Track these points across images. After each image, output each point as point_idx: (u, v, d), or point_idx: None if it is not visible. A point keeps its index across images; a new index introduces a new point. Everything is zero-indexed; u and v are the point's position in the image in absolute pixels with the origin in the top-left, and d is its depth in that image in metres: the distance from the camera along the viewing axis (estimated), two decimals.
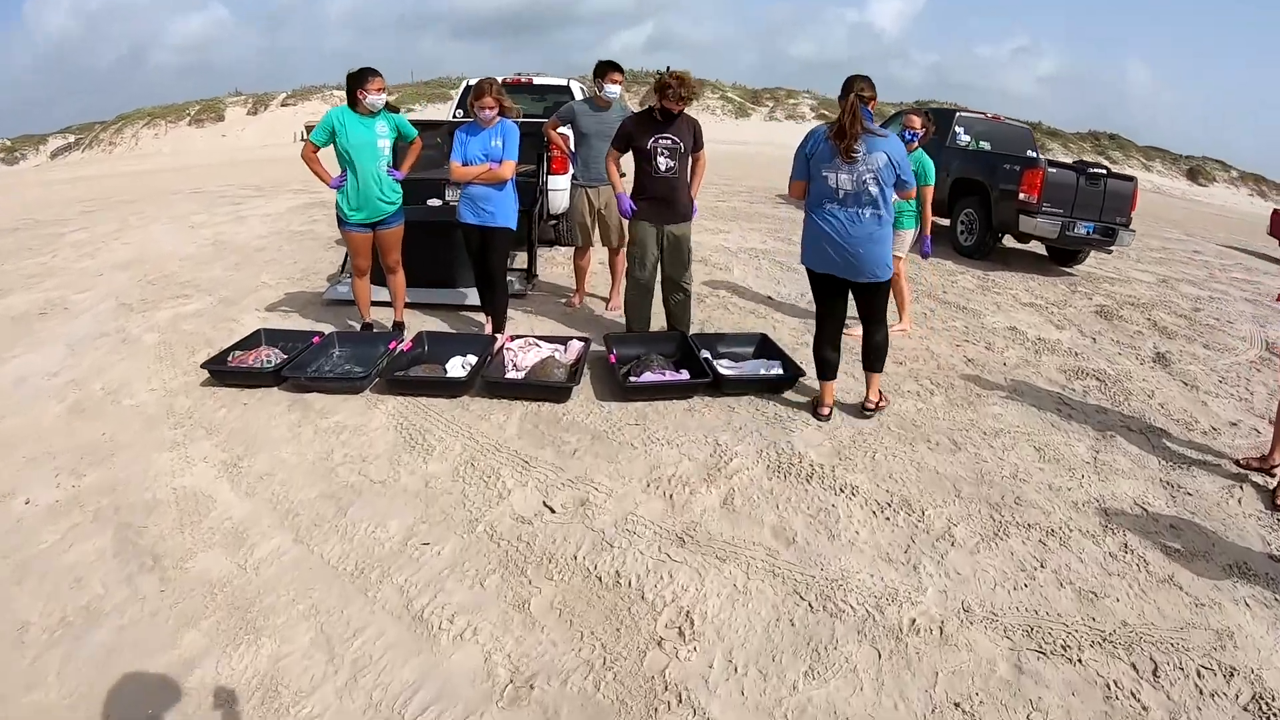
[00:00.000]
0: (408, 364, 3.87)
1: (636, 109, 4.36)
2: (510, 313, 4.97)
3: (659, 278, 4.24)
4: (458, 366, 3.81)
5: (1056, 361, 4.57)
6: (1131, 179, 7.17)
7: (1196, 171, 25.22)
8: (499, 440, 3.25)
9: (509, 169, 4.09)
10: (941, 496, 2.96)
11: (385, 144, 4.13)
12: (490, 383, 3.60)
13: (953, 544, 2.68)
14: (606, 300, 5.28)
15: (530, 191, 5.97)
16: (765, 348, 4.18)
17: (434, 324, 4.78)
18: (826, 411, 3.49)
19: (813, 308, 6.00)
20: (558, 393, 3.57)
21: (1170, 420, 3.85)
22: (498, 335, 4.22)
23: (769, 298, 5.77)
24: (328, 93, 26.80)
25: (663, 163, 3.97)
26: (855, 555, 2.58)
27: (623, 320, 4.52)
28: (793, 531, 2.68)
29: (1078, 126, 28.67)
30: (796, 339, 4.70)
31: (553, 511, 2.76)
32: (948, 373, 4.23)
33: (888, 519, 2.79)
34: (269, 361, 3.82)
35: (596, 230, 5.03)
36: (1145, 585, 2.57)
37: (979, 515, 2.86)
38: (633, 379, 3.64)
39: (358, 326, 4.53)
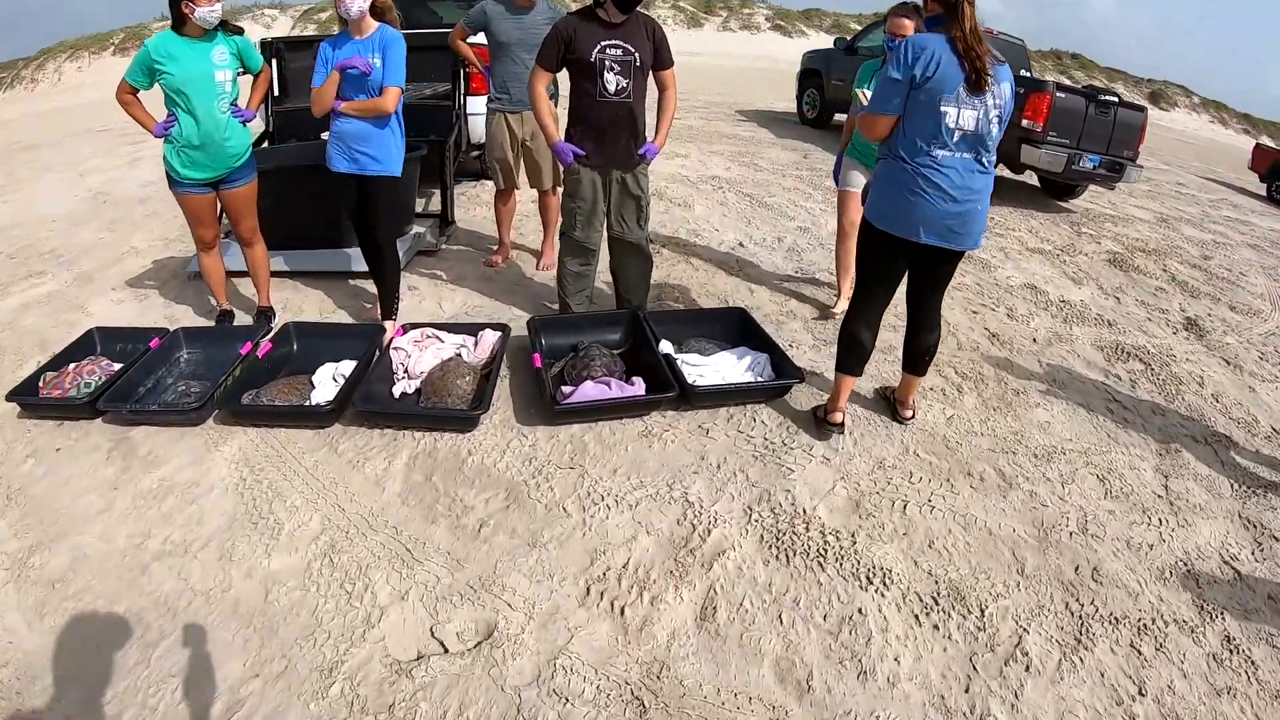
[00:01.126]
0: (267, 374, 2.71)
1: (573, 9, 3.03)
2: (412, 279, 3.73)
3: (605, 238, 3.07)
4: (328, 380, 2.63)
5: (1090, 334, 3.66)
6: (1142, 109, 6.12)
7: (1158, 95, 24.07)
8: (373, 508, 2.15)
9: (391, 99, 2.79)
10: (1001, 576, 2.05)
11: (225, 75, 2.82)
12: (364, 413, 2.48)
13: (1027, 666, 1.79)
14: (537, 255, 4.07)
15: (446, 117, 4.60)
16: (745, 330, 3.11)
17: (315, 300, 3.53)
18: (840, 419, 2.50)
19: (791, 259, 4.73)
20: (459, 422, 2.49)
21: (1230, 420, 3.01)
22: (387, 324, 3.04)
23: (740, 244, 4.64)
24: (258, 11, 22.89)
25: (612, 81, 2.70)
26: (900, 706, 1.65)
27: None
28: (806, 667, 1.72)
29: (1039, 44, 26.95)
30: (780, 307, 3.64)
31: (445, 650, 1.73)
32: (972, 355, 3.27)
33: (936, 628, 1.86)
34: (89, 384, 2.63)
35: (522, 168, 3.76)
36: (1259, 706, 1.78)
37: (1052, 607, 1.97)
38: (565, 390, 2.56)
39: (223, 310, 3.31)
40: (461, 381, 2.52)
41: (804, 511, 2.17)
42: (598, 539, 2.03)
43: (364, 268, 3.39)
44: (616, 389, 2.47)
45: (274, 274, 3.67)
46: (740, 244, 4.67)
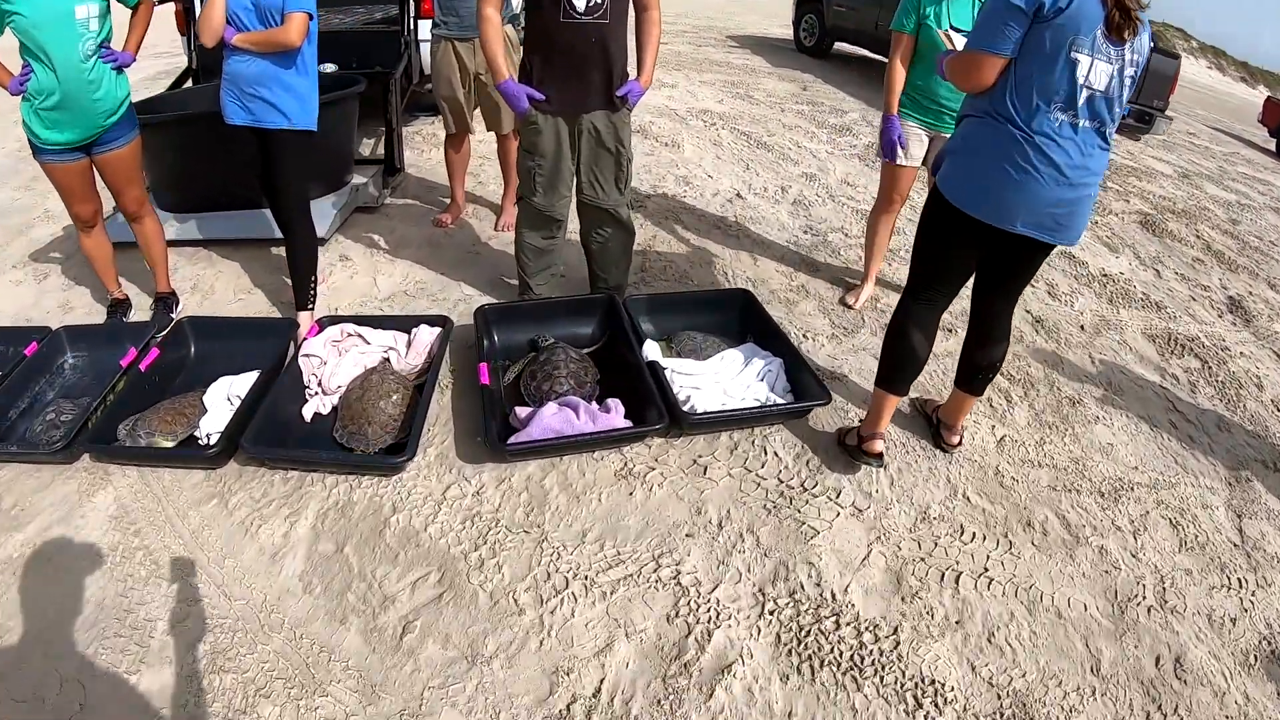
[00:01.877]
0: (155, 389, 2.06)
1: None
2: (345, 245, 2.99)
3: (574, 203, 2.37)
4: (221, 401, 1.97)
5: (1139, 320, 3.07)
6: (1175, 56, 5.36)
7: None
8: (269, 597, 1.55)
9: (295, 28, 2.06)
10: (1074, 678, 1.54)
11: (88, 11, 2.07)
12: (254, 455, 1.83)
13: None
14: (497, 213, 3.32)
15: (393, 45, 3.74)
16: (751, 319, 2.46)
17: (230, 277, 2.80)
18: (879, 449, 1.90)
19: (798, 214, 3.94)
20: (378, 466, 1.84)
21: None
22: (301, 317, 2.34)
23: (737, 195, 3.93)
24: None
25: None
26: None
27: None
28: None
29: None
30: (789, 281, 3.00)
31: None
32: (1017, 349, 2.65)
33: None
34: None
35: (476, 108, 2.97)
36: None
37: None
38: (520, 415, 1.93)
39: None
40: (386, 404, 1.89)
41: (832, 596, 1.62)
42: (560, 648, 1.47)
43: None
44: (585, 418, 1.84)
45: (186, 244, 2.95)
46: (738, 195, 3.95)
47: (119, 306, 2.56)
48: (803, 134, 5.17)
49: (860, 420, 2.03)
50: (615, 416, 1.87)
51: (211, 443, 1.87)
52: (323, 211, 3.04)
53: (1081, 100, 1.49)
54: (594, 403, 2.03)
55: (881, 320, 2.75)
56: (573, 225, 2.50)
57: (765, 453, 1.98)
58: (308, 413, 1.98)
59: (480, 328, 2.22)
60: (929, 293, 1.81)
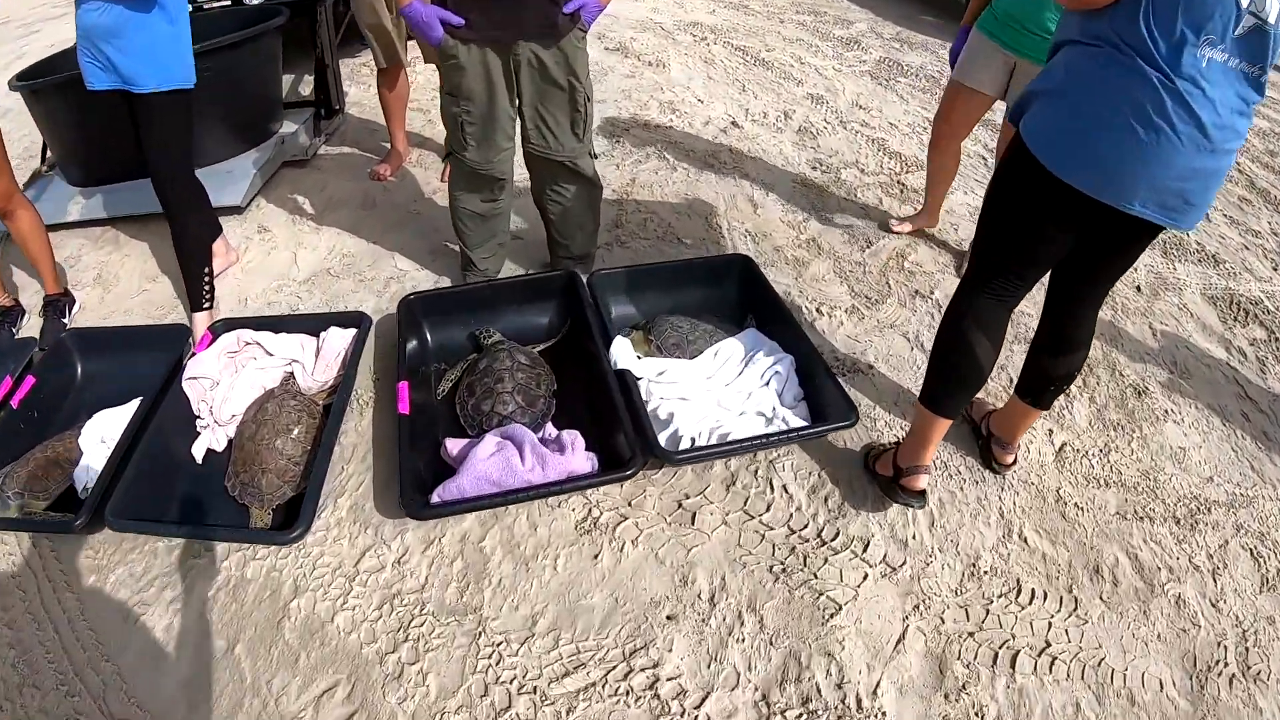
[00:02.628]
0: (34, 427, 1.59)
1: None
2: (265, 211, 2.39)
3: (518, 156, 1.79)
4: (95, 443, 1.48)
5: (1196, 276, 2.49)
6: None
7: None
8: (152, 711, 1.17)
9: None
10: None
11: None
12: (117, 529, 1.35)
13: None
14: (443, 165, 2.69)
15: None
16: (752, 293, 1.93)
17: (137, 260, 2.24)
18: (922, 485, 1.41)
19: (804, 144, 3.38)
20: (263, 542, 1.36)
21: None
22: (197, 319, 1.81)
23: (733, 123, 3.25)
24: None
25: None
26: None
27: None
28: None
29: None
30: (798, 234, 2.41)
31: None
32: None
33: None
34: None
35: (410, 37, 2.29)
36: None
37: None
38: (450, 450, 1.43)
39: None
40: (284, 442, 1.40)
41: (858, 702, 1.18)
42: None
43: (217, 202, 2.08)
44: (531, 460, 1.34)
45: (94, 224, 2.39)
46: (734, 123, 3.28)
47: (7, 316, 2.01)
48: (805, 48, 4.37)
49: (895, 439, 1.55)
50: (572, 456, 1.37)
51: (89, 494, 1.42)
52: (241, 172, 2.44)
53: (1242, 32, 0.93)
54: (549, 425, 1.54)
55: (911, 285, 2.22)
56: (523, 173, 1.92)
57: (771, 488, 1.51)
58: (198, 450, 1.49)
59: (405, 326, 1.67)
60: (1000, 283, 1.27)
